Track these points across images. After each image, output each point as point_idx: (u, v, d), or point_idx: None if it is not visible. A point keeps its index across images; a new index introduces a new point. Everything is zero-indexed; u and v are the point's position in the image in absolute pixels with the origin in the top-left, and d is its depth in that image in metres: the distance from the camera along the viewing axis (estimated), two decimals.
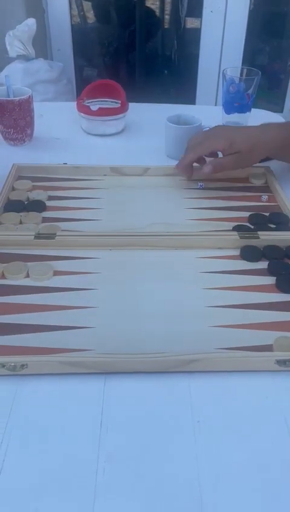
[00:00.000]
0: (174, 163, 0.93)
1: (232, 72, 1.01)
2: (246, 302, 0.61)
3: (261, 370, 0.52)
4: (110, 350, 0.53)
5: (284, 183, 0.85)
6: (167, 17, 2.87)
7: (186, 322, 0.58)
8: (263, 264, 0.67)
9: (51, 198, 0.81)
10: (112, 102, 1.06)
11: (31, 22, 1.70)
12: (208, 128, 0.86)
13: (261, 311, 0.60)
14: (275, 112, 1.24)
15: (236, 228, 0.74)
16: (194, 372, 0.52)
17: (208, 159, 0.83)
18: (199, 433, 0.46)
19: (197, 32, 2.13)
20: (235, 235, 0.70)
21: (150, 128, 1.06)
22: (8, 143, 1.00)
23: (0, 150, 0.98)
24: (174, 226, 0.74)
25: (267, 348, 0.54)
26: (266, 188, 0.86)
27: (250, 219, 0.77)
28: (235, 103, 1.02)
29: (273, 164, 0.92)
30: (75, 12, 2.58)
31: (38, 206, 0.78)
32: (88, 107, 1.03)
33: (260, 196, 0.83)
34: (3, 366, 0.50)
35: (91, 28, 2.80)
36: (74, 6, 2.55)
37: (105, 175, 0.88)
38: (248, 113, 1.04)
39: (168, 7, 2.86)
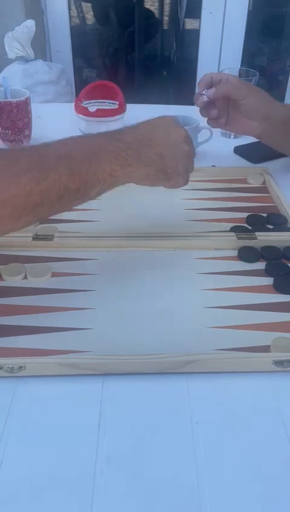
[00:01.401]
0: None
1: (230, 73, 1.01)
2: (243, 303, 0.61)
3: (259, 371, 0.52)
4: (108, 351, 0.53)
5: (282, 184, 0.85)
6: (166, 18, 2.88)
7: (184, 323, 0.58)
8: (260, 265, 0.67)
9: None
10: (110, 103, 1.06)
11: (30, 23, 1.70)
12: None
13: (259, 312, 0.60)
14: None
15: (234, 229, 0.74)
16: (192, 373, 0.52)
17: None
18: (197, 434, 0.46)
19: (196, 33, 2.14)
20: (232, 236, 0.70)
21: None
22: (6, 144, 1.00)
23: None
24: (172, 227, 0.74)
25: (265, 348, 0.54)
26: (263, 189, 0.86)
27: (248, 220, 0.77)
28: None
29: (271, 165, 0.92)
30: (74, 13, 2.59)
31: None
32: (86, 108, 1.03)
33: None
34: (1, 367, 0.50)
35: (90, 29, 2.81)
36: (73, 7, 2.56)
37: None
38: None
39: (167, 8, 2.86)
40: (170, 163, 0.61)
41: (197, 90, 0.82)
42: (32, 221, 0.54)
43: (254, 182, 0.87)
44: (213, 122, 0.85)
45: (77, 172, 0.54)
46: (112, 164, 0.57)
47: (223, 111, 0.83)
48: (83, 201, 0.57)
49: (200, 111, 0.84)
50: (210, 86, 0.81)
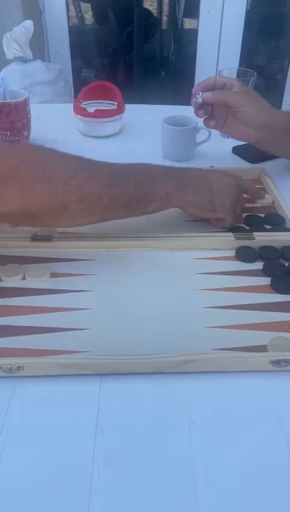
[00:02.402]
0: (171, 164, 0.93)
1: (228, 73, 1.02)
2: (241, 302, 0.61)
3: (256, 370, 0.53)
4: (106, 352, 0.53)
5: (280, 184, 0.86)
6: (164, 18, 2.88)
7: (182, 323, 0.58)
8: (258, 265, 0.67)
9: None
10: (108, 104, 1.07)
11: (28, 23, 1.70)
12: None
13: (256, 311, 0.60)
14: None
15: (232, 229, 0.74)
16: (190, 373, 0.52)
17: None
18: (194, 433, 0.47)
19: (194, 33, 2.14)
20: (230, 236, 0.71)
21: (147, 130, 1.06)
22: None
23: None
24: (170, 227, 0.75)
25: (262, 348, 0.54)
26: (261, 189, 0.86)
27: (246, 220, 0.77)
28: None
29: (269, 165, 0.92)
30: (73, 13, 2.59)
31: None
32: (84, 108, 1.03)
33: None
34: None
35: (89, 29, 2.81)
36: (72, 7, 2.56)
37: None
38: None
39: (165, 8, 2.86)
40: (217, 197, 0.70)
41: (194, 89, 0.83)
42: (99, 220, 0.64)
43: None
44: (207, 122, 0.85)
45: (141, 187, 0.65)
46: (168, 186, 0.67)
47: (221, 114, 0.83)
48: (142, 213, 0.67)
49: (194, 110, 0.84)
50: (211, 89, 0.81)
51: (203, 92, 0.81)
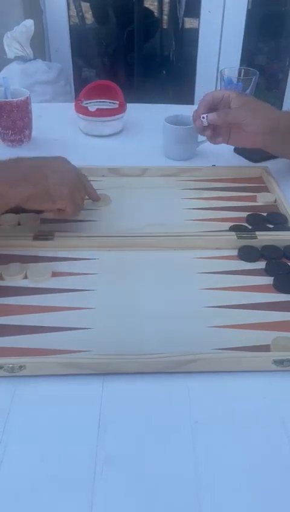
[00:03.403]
0: (172, 163, 0.93)
1: (230, 72, 1.02)
2: (243, 302, 0.61)
3: (258, 370, 0.52)
4: (108, 351, 0.53)
5: (282, 183, 0.85)
6: (165, 17, 2.88)
7: (184, 323, 0.58)
8: (260, 265, 0.67)
9: None
10: (110, 103, 1.07)
11: (29, 23, 1.69)
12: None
13: (259, 311, 0.60)
14: None
15: (234, 228, 0.74)
16: (192, 373, 0.52)
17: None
18: (196, 433, 0.47)
19: (195, 32, 2.13)
20: (233, 236, 0.70)
21: (148, 129, 1.06)
22: (7, 144, 1.00)
23: None
24: (172, 227, 0.74)
25: (265, 348, 0.54)
26: (263, 188, 0.86)
27: (248, 219, 0.77)
28: None
29: (271, 164, 0.92)
30: (73, 13, 2.58)
31: None
32: (86, 108, 1.03)
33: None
34: (1, 367, 0.50)
35: (89, 28, 2.80)
36: (72, 7, 2.55)
37: (103, 176, 0.88)
38: None
39: (166, 7, 2.86)
40: (54, 185, 0.65)
41: (195, 108, 0.84)
42: None
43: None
44: (214, 141, 0.85)
45: None
46: (1, 187, 0.61)
47: (224, 129, 0.84)
48: None
49: (197, 129, 0.85)
50: (211, 106, 0.82)
51: (206, 111, 0.81)
